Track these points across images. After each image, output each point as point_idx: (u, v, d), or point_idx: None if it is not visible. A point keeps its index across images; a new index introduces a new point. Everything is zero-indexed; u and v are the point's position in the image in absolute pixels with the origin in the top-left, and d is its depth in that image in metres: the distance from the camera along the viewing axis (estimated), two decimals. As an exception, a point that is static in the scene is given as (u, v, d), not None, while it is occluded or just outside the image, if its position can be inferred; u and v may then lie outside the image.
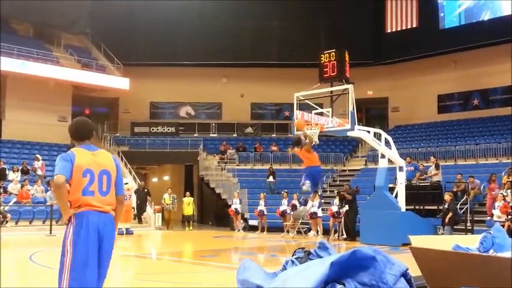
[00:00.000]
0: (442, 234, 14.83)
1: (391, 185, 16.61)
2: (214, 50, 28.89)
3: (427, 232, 14.24)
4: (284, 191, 20.54)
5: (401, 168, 16.05)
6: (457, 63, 27.04)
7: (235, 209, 20.98)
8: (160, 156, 27.74)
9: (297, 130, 14.46)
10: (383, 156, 15.93)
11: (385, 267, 3.36)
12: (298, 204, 19.23)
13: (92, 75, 26.78)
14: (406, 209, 15.90)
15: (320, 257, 3.94)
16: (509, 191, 15.18)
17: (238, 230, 20.82)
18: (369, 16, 29.21)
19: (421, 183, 18.04)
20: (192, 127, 29.93)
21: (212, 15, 28.80)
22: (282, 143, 27.90)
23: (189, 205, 22.57)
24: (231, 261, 12.27)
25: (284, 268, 3.98)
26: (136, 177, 25.30)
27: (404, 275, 3.44)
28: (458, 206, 16.05)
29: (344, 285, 3.27)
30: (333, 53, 15.33)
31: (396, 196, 15.84)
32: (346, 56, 15.34)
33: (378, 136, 16.27)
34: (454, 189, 17.26)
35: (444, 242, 4.43)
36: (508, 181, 15.91)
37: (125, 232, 18.00)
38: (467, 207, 16.35)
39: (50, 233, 17.12)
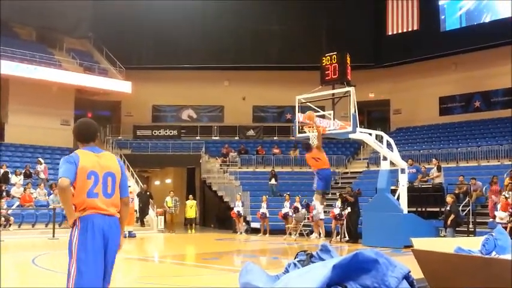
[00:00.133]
0: (444, 236, 14.82)
1: (393, 187, 16.59)
2: (216, 53, 28.93)
3: (429, 234, 14.22)
4: (286, 194, 20.52)
5: (403, 171, 16.04)
6: (458, 66, 27.04)
7: (238, 211, 20.99)
8: (162, 159, 27.77)
9: (307, 119, 14.35)
10: (385, 158, 15.93)
11: (387, 270, 3.38)
12: (300, 207, 19.22)
13: (94, 79, 26.82)
14: (408, 211, 15.88)
15: (322, 259, 3.96)
16: (511, 192, 15.18)
17: (241, 233, 20.83)
18: (370, 18, 29.22)
19: (423, 185, 18.01)
20: (194, 130, 29.96)
21: (213, 18, 28.85)
22: (284, 145, 27.93)
23: (191, 208, 22.59)
24: (234, 263, 12.27)
25: (286, 271, 4.00)
26: (139, 180, 25.33)
27: (407, 277, 3.46)
28: (460, 208, 16.04)
29: (346, 288, 3.29)
30: (335, 55, 15.36)
31: (398, 198, 15.83)
32: (348, 58, 15.37)
33: (379, 138, 16.27)
34: (456, 191, 17.26)
35: (446, 244, 4.44)
36: (510, 183, 15.91)
37: (127, 235, 18.01)
38: (469, 209, 16.36)
39: (53, 236, 17.17)
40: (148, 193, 23.28)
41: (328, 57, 15.47)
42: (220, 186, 25.22)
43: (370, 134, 16.06)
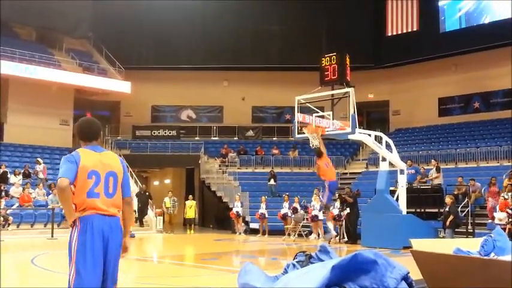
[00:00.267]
0: (443, 237, 14.84)
1: (392, 188, 16.61)
2: (215, 53, 28.93)
3: (428, 235, 14.23)
4: (285, 194, 20.52)
5: (402, 171, 16.06)
6: (457, 67, 27.06)
7: (237, 212, 20.99)
8: (161, 159, 27.76)
9: (310, 133, 14.56)
10: (384, 159, 15.94)
11: (386, 271, 3.39)
12: (299, 208, 19.22)
13: (93, 79, 26.82)
14: (407, 212, 15.89)
15: (321, 260, 3.96)
16: (510, 193, 15.19)
17: (240, 233, 20.83)
18: (370, 19, 29.23)
19: (422, 186, 18.03)
20: (193, 130, 29.97)
21: (213, 18, 28.86)
22: (283, 146, 27.95)
23: (191, 208, 22.59)
24: (232, 264, 12.27)
25: (285, 271, 4.00)
26: (138, 181, 25.33)
27: (405, 278, 3.46)
28: (459, 209, 16.05)
29: (345, 289, 3.29)
30: (334, 56, 15.37)
31: (397, 199, 15.84)
32: (347, 59, 15.38)
33: (378, 139, 16.29)
34: (455, 192, 17.27)
35: (445, 245, 4.45)
36: (508, 184, 15.93)
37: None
38: (468, 210, 16.36)
39: (52, 236, 17.16)
40: (147, 193, 23.28)
41: (328, 58, 15.48)
42: (219, 186, 25.22)
43: (369, 135, 16.07)
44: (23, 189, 19.96)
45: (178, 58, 28.96)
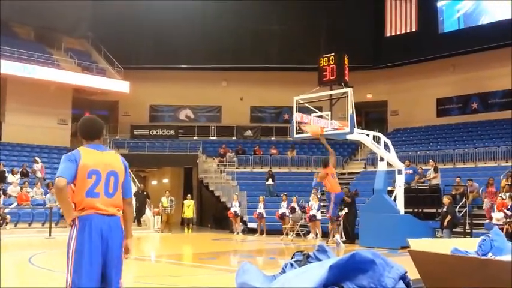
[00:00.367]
0: (441, 237, 14.86)
1: (390, 188, 16.63)
2: (214, 53, 28.91)
3: (425, 235, 14.23)
4: (283, 194, 20.55)
5: (400, 172, 16.08)
6: (456, 67, 27.08)
7: (235, 211, 21.00)
8: (159, 159, 27.76)
9: (312, 135, 14.71)
10: (382, 159, 15.96)
11: (384, 270, 3.39)
12: (297, 207, 19.24)
13: (92, 79, 26.80)
14: (405, 212, 15.93)
15: (319, 260, 3.96)
16: (507, 194, 15.22)
17: (238, 233, 20.83)
18: (370, 19, 29.24)
19: (420, 186, 18.06)
20: (191, 130, 29.97)
21: (212, 18, 28.84)
22: (282, 146, 27.96)
23: (189, 207, 22.58)
24: (230, 263, 12.28)
25: (283, 271, 4.00)
26: (136, 180, 25.30)
27: (403, 278, 3.47)
28: (457, 209, 16.08)
29: (343, 288, 3.30)
30: (332, 56, 15.40)
31: (395, 199, 15.86)
32: (346, 59, 15.41)
33: (377, 139, 16.31)
34: (453, 193, 17.30)
35: (443, 245, 4.45)
36: (506, 184, 15.96)
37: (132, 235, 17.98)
38: (466, 210, 16.38)
39: (49, 235, 17.15)
40: (145, 193, 23.28)
41: (326, 58, 15.51)
42: (217, 186, 25.22)
43: (368, 135, 16.10)
44: (21, 188, 19.94)
45: (177, 58, 28.95)
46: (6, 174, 20.92)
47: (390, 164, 16.25)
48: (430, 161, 19.71)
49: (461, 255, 3.94)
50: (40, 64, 25.13)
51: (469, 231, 15.53)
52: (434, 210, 16.68)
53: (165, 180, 33.49)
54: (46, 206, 19.40)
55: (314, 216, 18.27)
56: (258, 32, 29.23)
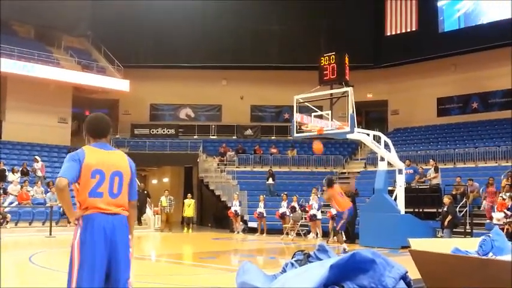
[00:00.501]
0: (441, 237, 14.85)
1: (390, 188, 16.63)
2: (214, 52, 28.90)
3: (426, 235, 14.25)
4: (283, 193, 20.54)
5: (400, 171, 16.08)
6: (456, 67, 27.07)
7: (235, 211, 20.98)
8: (160, 158, 27.75)
9: (315, 152, 14.78)
10: (382, 159, 15.95)
11: (385, 270, 3.39)
12: (297, 207, 19.23)
13: (92, 77, 26.80)
14: (406, 212, 15.92)
15: (320, 259, 3.96)
16: (508, 194, 15.22)
17: (238, 232, 20.82)
18: (370, 19, 29.23)
19: (420, 186, 18.05)
20: (191, 129, 29.97)
21: (212, 18, 28.83)
22: (282, 145, 27.95)
23: (189, 207, 22.57)
24: (231, 263, 12.28)
25: (284, 270, 4.00)
26: (136, 179, 25.30)
27: (404, 277, 3.47)
28: (457, 209, 16.08)
29: (343, 288, 3.29)
30: (333, 56, 15.39)
31: (395, 199, 15.86)
32: (346, 59, 15.39)
33: (377, 139, 16.30)
34: (453, 192, 17.30)
35: (443, 245, 4.44)
36: (506, 184, 15.95)
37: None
38: (466, 210, 16.38)
39: (50, 234, 17.14)
40: (145, 192, 23.26)
41: (327, 57, 15.50)
42: (217, 185, 25.22)
43: (368, 135, 16.09)
44: (21, 187, 19.93)
45: (178, 57, 28.94)
46: (7, 173, 20.91)
47: (390, 164, 16.25)
48: (431, 160, 19.70)
49: (462, 255, 3.94)
50: (40, 62, 25.12)
51: (469, 231, 15.53)
52: (434, 210, 16.68)
53: (165, 179, 33.49)
54: (46, 204, 19.38)
55: (314, 215, 18.27)
56: (258, 32, 29.21)
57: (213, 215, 25.69)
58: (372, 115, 31.60)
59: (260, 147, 27.41)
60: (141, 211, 22.28)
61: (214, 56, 28.96)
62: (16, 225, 18.67)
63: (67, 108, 27.25)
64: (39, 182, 21.04)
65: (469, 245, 4.20)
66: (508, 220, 14.24)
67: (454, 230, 15.26)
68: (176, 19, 28.54)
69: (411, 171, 18.22)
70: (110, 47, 28.53)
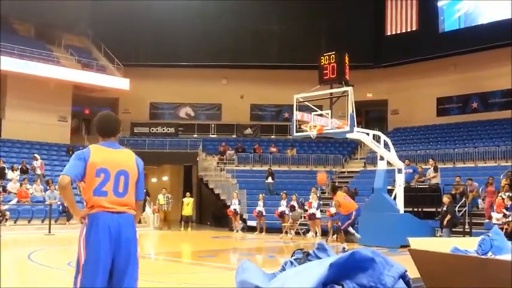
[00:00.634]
0: (441, 236, 14.86)
1: (389, 187, 16.64)
2: (214, 51, 28.90)
3: (425, 234, 14.26)
4: (283, 192, 20.56)
5: (400, 171, 16.09)
6: (456, 66, 27.07)
7: (234, 209, 20.99)
8: (159, 156, 27.73)
9: (319, 183, 14.89)
10: (382, 158, 15.96)
11: (384, 269, 3.39)
12: (296, 206, 19.24)
13: (92, 76, 26.81)
14: (405, 211, 15.93)
15: (319, 258, 3.96)
16: (507, 193, 15.23)
17: (237, 231, 20.83)
18: (369, 19, 29.22)
19: (419, 185, 18.06)
20: (191, 128, 29.98)
21: (212, 17, 28.82)
22: (281, 144, 27.96)
23: (188, 205, 22.58)
24: (230, 261, 12.29)
25: (283, 269, 4.00)
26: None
27: (403, 276, 3.47)
28: (456, 209, 16.09)
29: (343, 287, 3.29)
30: (333, 55, 15.39)
31: (395, 198, 15.87)
32: (346, 58, 15.39)
33: (377, 138, 16.30)
34: (453, 192, 17.30)
35: (443, 244, 4.44)
36: (506, 184, 15.96)
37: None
38: (465, 210, 16.39)
39: (49, 232, 17.16)
40: (145, 190, 23.21)
41: (327, 56, 15.49)
42: (217, 184, 25.22)
43: (368, 134, 16.09)
44: (21, 185, 19.93)
45: (177, 56, 28.94)
46: (6, 171, 20.92)
47: (390, 163, 16.25)
48: (430, 160, 19.71)
49: (461, 254, 3.94)
50: (40, 61, 25.13)
51: (468, 230, 15.54)
52: (434, 210, 16.69)
53: (165, 178, 33.49)
54: (46, 202, 19.40)
55: (314, 214, 18.28)
56: (258, 31, 29.20)
57: (212, 214, 25.70)
58: (371, 115, 31.61)
59: (260, 146, 27.42)
60: (140, 209, 22.26)
61: (214, 55, 28.96)
62: (15, 223, 18.65)
63: (67, 107, 27.25)
64: (39, 180, 21.04)
65: (468, 245, 4.20)
66: (507, 220, 14.25)
67: (453, 229, 15.27)
68: (176, 18, 28.53)
69: (411, 170, 18.24)
70: (110, 45, 28.53)
